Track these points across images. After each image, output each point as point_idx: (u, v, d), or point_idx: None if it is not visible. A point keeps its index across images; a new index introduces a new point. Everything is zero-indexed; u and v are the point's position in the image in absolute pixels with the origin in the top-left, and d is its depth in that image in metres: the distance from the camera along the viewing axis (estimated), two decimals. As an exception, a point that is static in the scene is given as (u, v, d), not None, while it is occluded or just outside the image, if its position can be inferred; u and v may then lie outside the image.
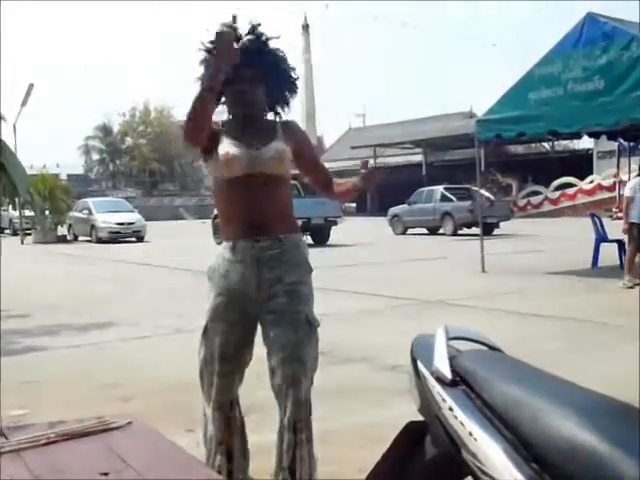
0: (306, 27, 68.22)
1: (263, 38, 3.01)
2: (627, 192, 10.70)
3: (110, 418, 1.69)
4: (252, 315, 3.06)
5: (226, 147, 2.96)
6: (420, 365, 1.99)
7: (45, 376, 5.84)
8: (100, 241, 26.16)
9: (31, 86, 30.36)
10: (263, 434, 3.62)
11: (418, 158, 46.06)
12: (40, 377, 5.80)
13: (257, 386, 3.66)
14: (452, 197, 25.32)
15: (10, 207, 32.21)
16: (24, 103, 30.27)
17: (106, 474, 1.37)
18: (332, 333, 7.36)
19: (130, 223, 27.22)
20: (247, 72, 2.92)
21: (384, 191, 40.32)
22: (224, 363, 3.10)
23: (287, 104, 3.15)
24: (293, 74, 3.13)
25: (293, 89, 3.15)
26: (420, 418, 2.07)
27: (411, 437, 2.11)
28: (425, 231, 26.08)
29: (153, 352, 6.80)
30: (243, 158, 2.93)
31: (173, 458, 1.51)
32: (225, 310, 3.06)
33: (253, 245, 2.99)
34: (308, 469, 2.91)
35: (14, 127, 29.34)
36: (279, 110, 3.15)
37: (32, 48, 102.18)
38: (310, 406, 3.00)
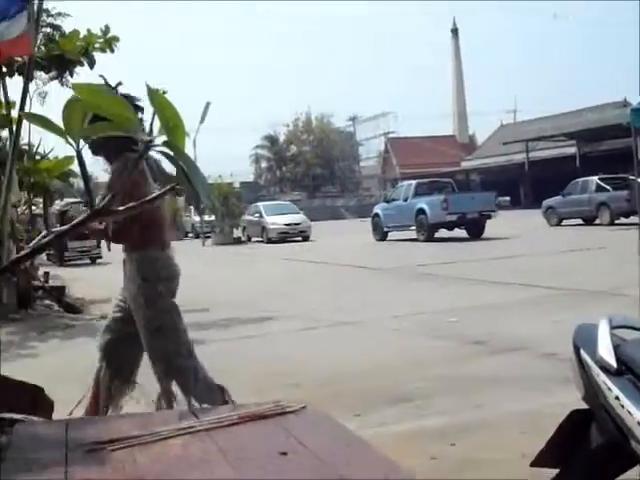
0: (455, 31, 67.11)
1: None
2: None
3: (285, 403, 1.72)
4: None
5: None
6: (583, 354, 1.90)
7: (223, 363, 6.06)
8: (270, 241, 26.94)
9: (208, 104, 31.72)
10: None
11: (571, 150, 43.98)
12: (218, 364, 6.01)
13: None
14: (608, 187, 23.99)
15: (193, 213, 34.08)
16: (202, 120, 31.57)
17: (285, 453, 1.40)
18: (488, 323, 7.22)
19: (297, 224, 27.85)
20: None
21: (538, 184, 38.77)
22: None
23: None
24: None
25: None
26: (583, 406, 1.97)
27: (575, 425, 2.01)
28: (580, 221, 24.91)
29: (319, 342, 6.91)
30: None
31: (345, 440, 1.52)
32: None
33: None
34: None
35: (194, 142, 30.72)
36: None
37: (206, 68, 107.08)
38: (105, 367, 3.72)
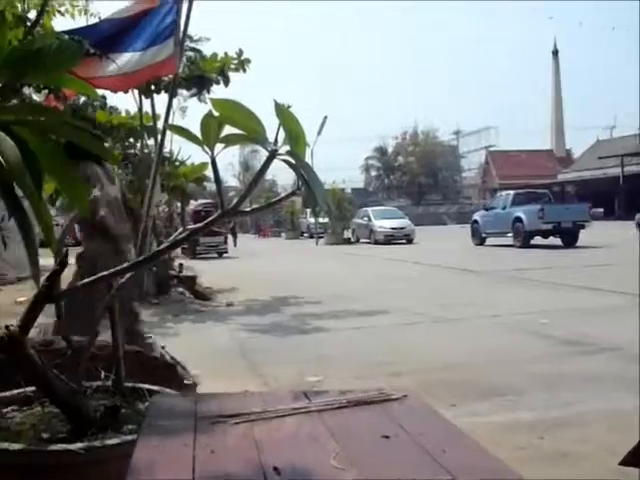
0: (555, 53, 64.76)
1: None
2: None
3: (388, 390, 1.70)
4: None
5: None
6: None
7: (332, 351, 6.11)
8: (377, 243, 26.91)
9: (325, 118, 31.93)
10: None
11: (666, 165, 41.52)
12: (328, 352, 6.07)
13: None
14: (702, 201, 22.52)
15: (308, 215, 34.47)
16: (319, 132, 31.71)
17: (387, 437, 1.39)
18: (581, 325, 6.90)
19: (402, 228, 27.67)
20: None
21: (632, 197, 36.86)
22: None
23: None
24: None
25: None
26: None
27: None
28: (674, 234, 23.46)
29: (419, 336, 6.82)
30: None
31: (443, 428, 1.49)
32: None
33: None
34: None
35: (312, 152, 30.93)
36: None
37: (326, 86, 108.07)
38: None
